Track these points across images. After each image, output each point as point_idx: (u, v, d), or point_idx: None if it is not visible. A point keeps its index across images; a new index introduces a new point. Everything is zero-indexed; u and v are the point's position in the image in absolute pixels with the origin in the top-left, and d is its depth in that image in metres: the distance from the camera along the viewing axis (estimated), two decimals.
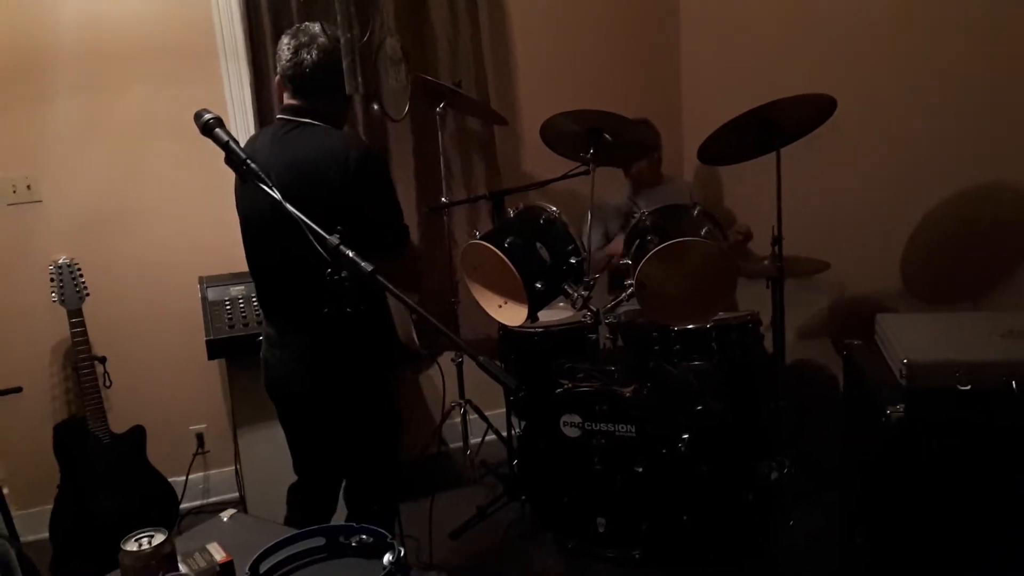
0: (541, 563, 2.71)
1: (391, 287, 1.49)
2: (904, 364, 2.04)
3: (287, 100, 2.09)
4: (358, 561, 1.29)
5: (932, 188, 2.83)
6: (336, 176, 1.96)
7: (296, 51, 2.01)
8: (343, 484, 2.32)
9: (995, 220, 2.68)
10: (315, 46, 2.00)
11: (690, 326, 2.87)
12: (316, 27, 2.03)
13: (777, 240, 2.65)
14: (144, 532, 1.21)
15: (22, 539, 2.84)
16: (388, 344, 2.26)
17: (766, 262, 2.75)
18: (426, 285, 3.50)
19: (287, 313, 2.16)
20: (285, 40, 2.05)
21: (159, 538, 1.20)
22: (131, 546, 1.19)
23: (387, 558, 1.20)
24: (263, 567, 1.24)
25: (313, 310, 1.82)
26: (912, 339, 2.16)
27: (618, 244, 3.24)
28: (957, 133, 2.73)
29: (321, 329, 2.05)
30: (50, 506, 2.79)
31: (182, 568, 1.22)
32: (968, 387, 1.97)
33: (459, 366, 3.38)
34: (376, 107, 3.33)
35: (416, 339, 2.42)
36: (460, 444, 3.48)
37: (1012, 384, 1.93)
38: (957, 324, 2.32)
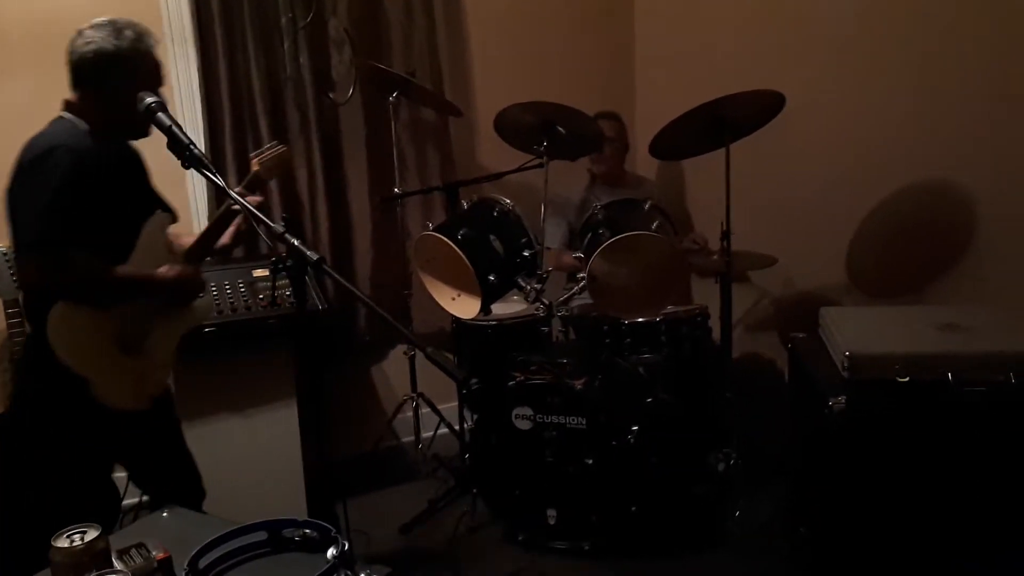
0: (491, 556, 2.71)
1: (339, 278, 1.47)
2: (846, 356, 2.08)
3: None
4: (301, 556, 1.27)
5: (877, 186, 2.90)
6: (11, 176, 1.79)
7: (71, 43, 1.86)
8: None
9: (936, 218, 2.76)
10: (90, 41, 1.84)
11: (640, 319, 2.90)
12: (103, 25, 1.86)
13: (726, 235, 2.69)
14: (76, 528, 1.17)
15: None
16: (57, 393, 1.87)
17: (715, 257, 2.79)
18: (379, 277, 3.47)
19: None
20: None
21: (92, 534, 1.16)
22: (63, 543, 1.15)
23: (331, 552, 1.18)
24: (203, 563, 1.21)
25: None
26: (854, 332, 2.21)
27: (566, 258, 3.24)
28: (902, 133, 2.80)
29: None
30: None
31: (117, 565, 1.18)
32: (907, 379, 2.02)
33: (411, 359, 3.35)
34: (332, 94, 3.29)
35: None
36: (412, 438, 3.46)
37: (948, 376, 1.99)
38: (898, 317, 2.38)
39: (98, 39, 1.81)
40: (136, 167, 2.06)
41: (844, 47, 2.95)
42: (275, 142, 2.23)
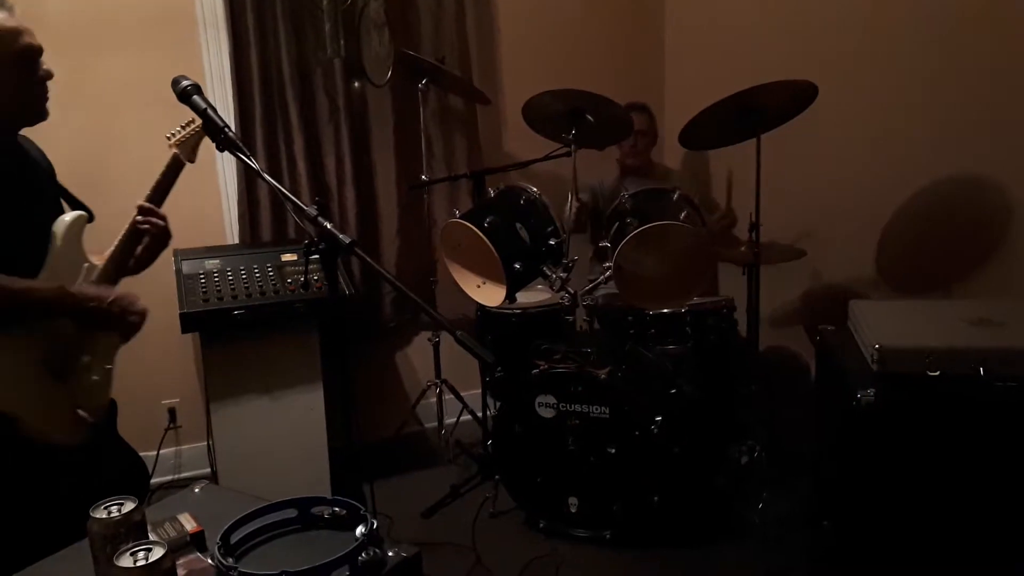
0: (512, 542, 2.72)
1: (371, 261, 1.48)
2: (875, 349, 2.06)
3: None
4: (330, 533, 1.28)
5: (909, 179, 2.86)
6: None
7: None
8: None
9: (968, 212, 2.72)
10: None
11: (666, 310, 2.89)
12: None
13: (755, 226, 2.67)
14: (114, 500, 1.20)
15: None
16: None
17: (743, 248, 2.77)
18: (405, 264, 3.49)
19: None
20: None
21: (129, 506, 1.19)
22: (100, 514, 1.17)
23: (359, 530, 1.20)
24: (234, 537, 1.23)
25: None
26: (884, 325, 2.19)
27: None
28: (936, 126, 2.76)
29: None
30: None
31: (152, 537, 1.20)
32: (937, 373, 2.00)
33: (435, 346, 3.37)
34: (356, 83, 3.30)
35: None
36: (435, 424, 3.48)
37: (980, 370, 1.97)
38: (928, 311, 2.36)
39: None
40: (28, 162, 1.80)
41: (878, 37, 2.91)
42: (190, 120, 1.90)
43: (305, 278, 2.69)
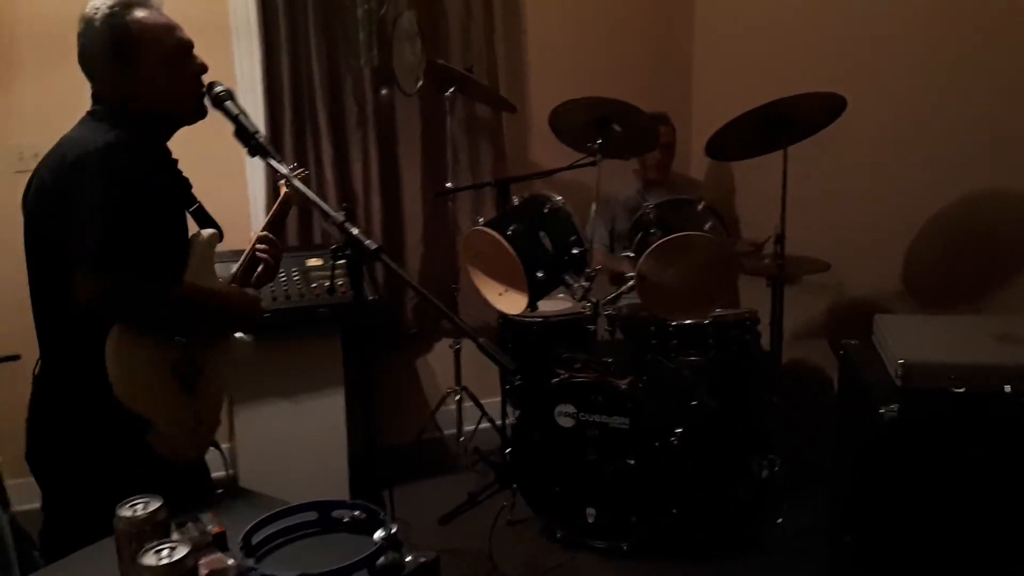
0: (529, 551, 2.72)
1: (397, 268, 1.50)
2: (900, 364, 2.04)
3: None
4: (350, 537, 1.29)
5: (935, 192, 2.83)
6: (50, 184, 1.56)
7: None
8: None
9: (996, 226, 2.68)
10: (82, 20, 1.61)
11: (688, 321, 2.88)
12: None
13: (779, 239, 2.66)
14: (139, 498, 1.22)
15: (15, 508, 2.85)
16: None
17: (767, 260, 2.76)
18: (428, 271, 3.51)
19: None
20: None
21: (154, 505, 1.21)
22: (126, 512, 1.20)
23: (379, 534, 1.21)
24: (255, 539, 1.25)
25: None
26: (909, 340, 2.17)
27: (615, 262, 3.24)
28: (964, 139, 2.73)
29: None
30: None
31: (175, 536, 1.23)
32: (962, 389, 1.97)
33: (456, 353, 3.39)
34: (384, 91, 3.34)
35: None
36: (454, 431, 3.49)
37: (1005, 388, 1.94)
38: (954, 327, 2.33)
39: (87, 16, 1.61)
40: (179, 172, 1.76)
41: (906, 49, 2.88)
42: (294, 164, 1.98)
43: (331, 283, 2.72)
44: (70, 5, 1.64)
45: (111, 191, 1.48)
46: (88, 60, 1.61)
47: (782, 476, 2.75)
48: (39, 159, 1.61)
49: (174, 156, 1.72)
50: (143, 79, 1.59)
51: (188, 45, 1.65)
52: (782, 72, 3.39)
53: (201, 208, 1.79)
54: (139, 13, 1.58)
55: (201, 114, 1.69)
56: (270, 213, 2.01)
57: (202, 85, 1.66)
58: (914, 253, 2.96)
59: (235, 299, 1.76)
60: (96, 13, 1.57)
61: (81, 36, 1.60)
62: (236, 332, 1.84)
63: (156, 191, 1.59)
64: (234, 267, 1.87)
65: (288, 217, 3.19)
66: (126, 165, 1.52)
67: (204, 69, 1.67)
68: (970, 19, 2.67)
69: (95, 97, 1.65)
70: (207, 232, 1.75)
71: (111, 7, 1.56)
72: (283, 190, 2.01)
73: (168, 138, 1.72)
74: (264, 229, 1.93)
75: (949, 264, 2.85)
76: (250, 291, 1.82)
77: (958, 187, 2.77)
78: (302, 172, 1.74)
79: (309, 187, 1.59)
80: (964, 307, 2.81)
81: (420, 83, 3.26)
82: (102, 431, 1.58)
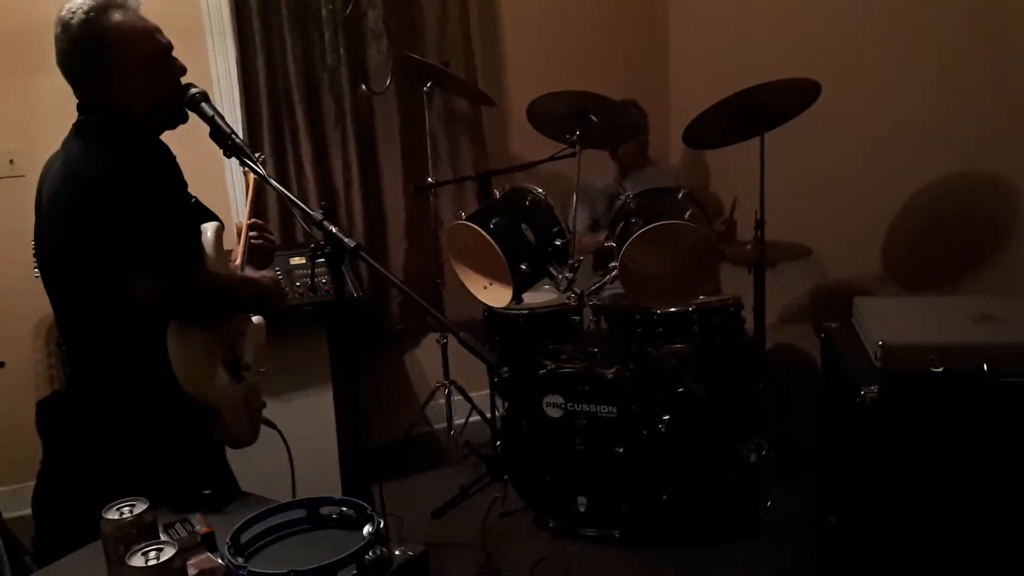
0: (522, 542, 2.74)
1: (376, 264, 1.50)
2: (879, 346, 2.07)
3: None
4: (338, 532, 1.30)
5: (913, 175, 2.86)
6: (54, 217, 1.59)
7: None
8: None
9: (972, 208, 2.72)
10: (59, 23, 1.57)
11: (672, 309, 2.90)
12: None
13: (759, 225, 2.68)
14: (126, 501, 1.22)
15: (4, 515, 2.84)
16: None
17: (748, 247, 2.78)
18: (412, 266, 3.51)
19: None
20: None
21: (140, 507, 1.21)
22: (112, 515, 1.20)
23: (366, 530, 1.22)
24: (244, 537, 1.25)
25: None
26: (888, 322, 2.19)
27: (588, 239, 3.26)
28: (941, 122, 2.75)
29: None
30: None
31: (163, 537, 1.23)
32: (941, 369, 2.00)
33: (443, 347, 3.39)
34: (364, 87, 3.33)
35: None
36: (444, 425, 3.50)
37: (983, 366, 1.97)
38: (933, 308, 2.36)
39: (63, 20, 1.58)
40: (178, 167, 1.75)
41: (880, 33, 2.90)
42: (259, 154, 1.89)
43: (312, 281, 2.72)
44: (45, 8, 1.62)
45: (128, 208, 1.49)
46: (67, 65, 1.58)
47: (771, 460, 2.78)
48: (14, 166, 1.61)
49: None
50: (123, 83, 1.57)
51: (168, 47, 1.64)
52: (758, 59, 3.41)
53: (198, 201, 1.79)
54: (116, 16, 1.55)
55: (182, 118, 1.67)
56: (248, 201, 2.00)
57: (181, 87, 1.65)
58: (893, 235, 2.99)
59: (262, 282, 1.79)
60: (72, 17, 1.54)
61: (58, 40, 1.56)
62: (261, 314, 1.88)
63: (166, 189, 1.59)
64: (237, 259, 1.88)
65: (267, 213, 3.20)
66: (129, 179, 1.51)
67: (183, 71, 1.66)
68: (944, 2, 2.69)
69: (80, 107, 1.62)
70: (212, 224, 1.77)
71: (87, 11, 1.53)
72: (250, 177, 2.00)
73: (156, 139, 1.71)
74: (249, 217, 1.94)
75: (927, 246, 2.89)
76: (267, 273, 1.86)
77: (935, 169, 2.80)
78: (259, 156, 1.73)
79: (288, 186, 1.59)
80: (943, 288, 2.84)
81: (389, 81, 3.25)
82: (170, 429, 1.62)
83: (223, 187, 3.20)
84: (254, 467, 2.51)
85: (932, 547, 2.10)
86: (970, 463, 2.02)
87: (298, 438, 2.85)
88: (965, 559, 2.06)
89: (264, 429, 1.89)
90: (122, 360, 1.60)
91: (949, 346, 2.02)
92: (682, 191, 2.64)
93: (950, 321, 2.17)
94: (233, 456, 2.67)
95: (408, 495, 3.05)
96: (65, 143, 1.62)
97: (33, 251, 2.42)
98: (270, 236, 1.94)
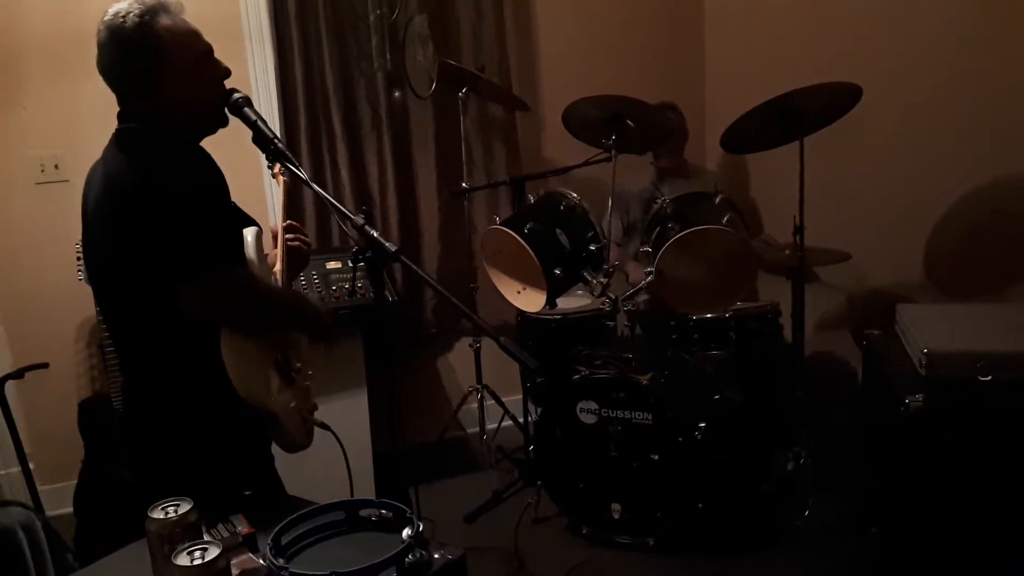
0: (555, 548, 2.72)
1: (418, 269, 1.51)
2: (924, 354, 2.03)
3: None
4: (377, 535, 1.30)
5: (955, 180, 2.80)
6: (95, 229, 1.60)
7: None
8: None
9: (1018, 213, 2.65)
10: (106, 29, 1.56)
11: (708, 315, 2.87)
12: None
13: (799, 230, 2.64)
14: (171, 501, 1.24)
15: (47, 513, 2.90)
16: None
17: (787, 252, 2.74)
18: (446, 270, 3.52)
19: None
20: None
21: (185, 507, 1.23)
22: (158, 514, 1.22)
23: (406, 532, 1.22)
24: (285, 539, 1.26)
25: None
26: (933, 329, 2.15)
27: (633, 268, 3.26)
28: (984, 126, 2.70)
29: None
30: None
31: (206, 537, 1.24)
32: (988, 377, 1.96)
33: (477, 352, 3.39)
34: (397, 93, 3.35)
35: None
36: (477, 429, 3.50)
37: None
38: (978, 315, 2.31)
39: (109, 24, 1.58)
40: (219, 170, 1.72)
41: (923, 37, 2.85)
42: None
43: (351, 285, 2.74)
44: (83, 16, 1.64)
45: (167, 219, 1.47)
46: (114, 70, 1.57)
47: (808, 469, 2.73)
48: (59, 171, 1.61)
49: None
50: (173, 85, 1.56)
51: (211, 50, 1.65)
52: (796, 63, 3.37)
53: (237, 206, 1.78)
54: (166, 19, 1.56)
55: (223, 121, 1.67)
56: (282, 205, 1.99)
57: (226, 90, 1.65)
58: (935, 241, 2.93)
59: (310, 301, 1.81)
60: (124, 21, 1.53)
61: (104, 46, 1.56)
62: (304, 333, 1.83)
63: (207, 197, 1.57)
64: (276, 265, 1.86)
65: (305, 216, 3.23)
66: (168, 191, 1.49)
67: (228, 73, 1.66)
68: (986, 4, 2.63)
69: (121, 115, 1.61)
70: (252, 229, 1.75)
71: (141, 14, 1.53)
72: (280, 179, 1.97)
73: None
74: (284, 220, 1.93)
75: (971, 251, 2.82)
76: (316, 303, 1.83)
77: (978, 174, 2.74)
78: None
79: (324, 190, 1.60)
80: (987, 295, 2.77)
81: (434, 86, 3.27)
82: (227, 435, 1.62)
83: (261, 192, 3.24)
84: (298, 469, 2.53)
85: (975, 561, 2.04)
86: (1017, 476, 1.96)
87: (333, 439, 2.88)
88: (1008, 573, 2.01)
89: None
90: (178, 369, 1.59)
91: (997, 354, 1.98)
92: (719, 196, 2.62)
93: (997, 329, 2.12)
94: (279, 459, 2.70)
95: (441, 499, 3.05)
96: (105, 153, 1.61)
97: (78, 255, 2.47)
98: (305, 238, 1.94)
